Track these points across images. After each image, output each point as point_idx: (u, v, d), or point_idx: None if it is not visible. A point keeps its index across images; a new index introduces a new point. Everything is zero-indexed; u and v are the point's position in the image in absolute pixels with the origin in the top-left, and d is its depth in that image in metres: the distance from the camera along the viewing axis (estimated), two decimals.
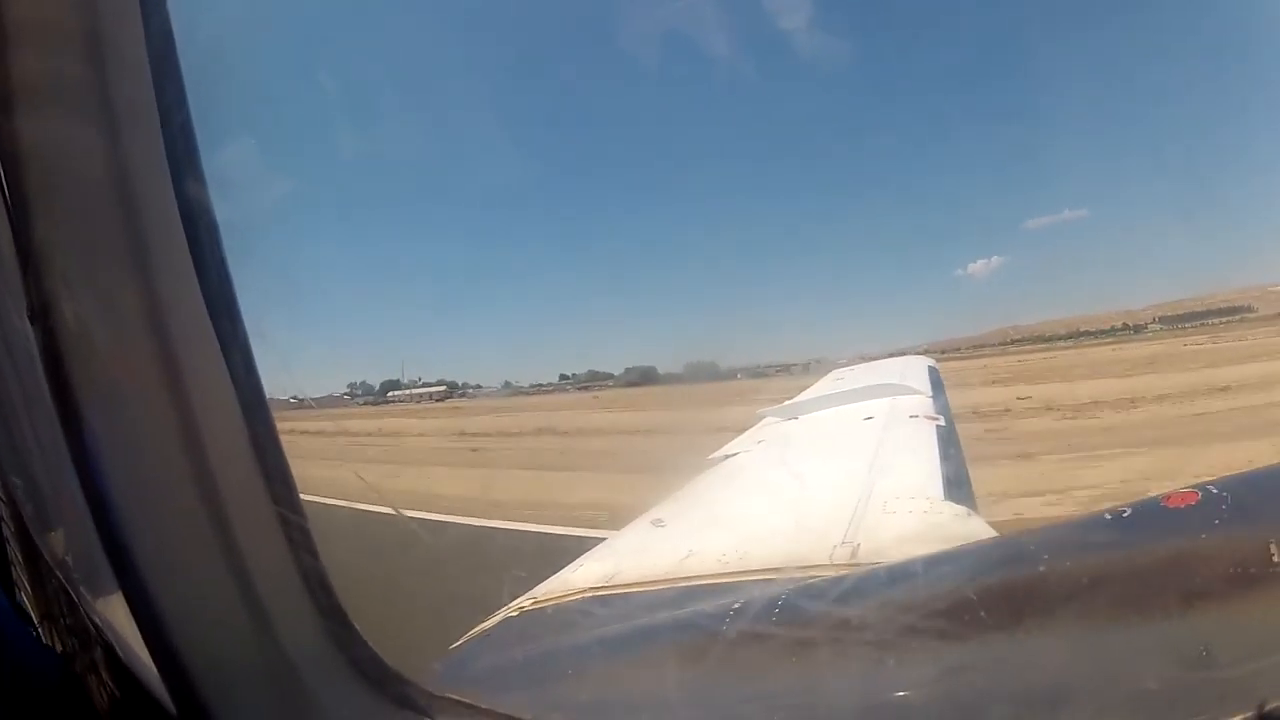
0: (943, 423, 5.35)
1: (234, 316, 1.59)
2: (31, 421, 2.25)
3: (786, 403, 7.45)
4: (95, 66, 1.40)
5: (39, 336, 1.43)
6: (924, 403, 6.13)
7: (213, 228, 1.55)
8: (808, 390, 8.39)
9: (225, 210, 1.58)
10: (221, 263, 1.58)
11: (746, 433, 6.21)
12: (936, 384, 7.23)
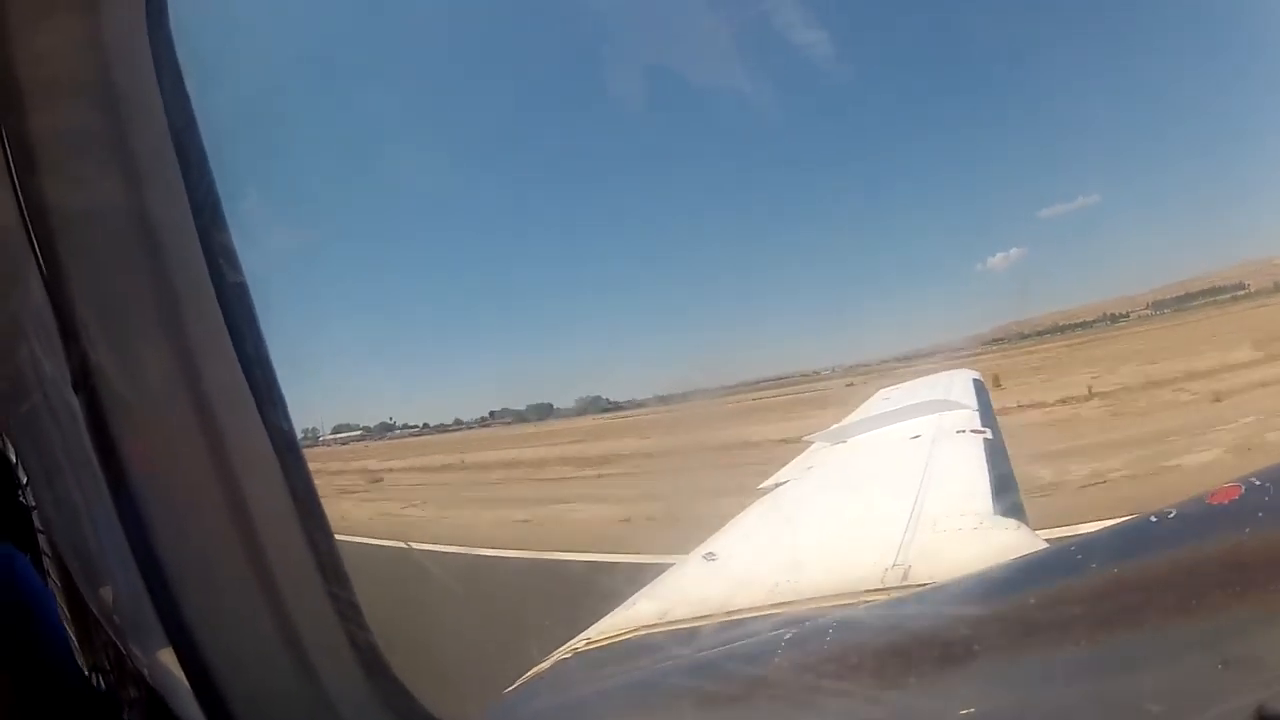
0: (990, 436, 5.30)
1: (267, 368, 1.62)
2: (79, 483, 2.31)
3: (833, 426, 7.42)
4: (115, 125, 1.44)
5: (83, 403, 1.47)
6: (970, 417, 6.08)
7: (241, 286, 1.59)
8: (854, 412, 8.35)
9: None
10: (254, 323, 1.61)
11: (794, 460, 6.18)
12: (982, 397, 7.17)
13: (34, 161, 1.42)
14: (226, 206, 1.62)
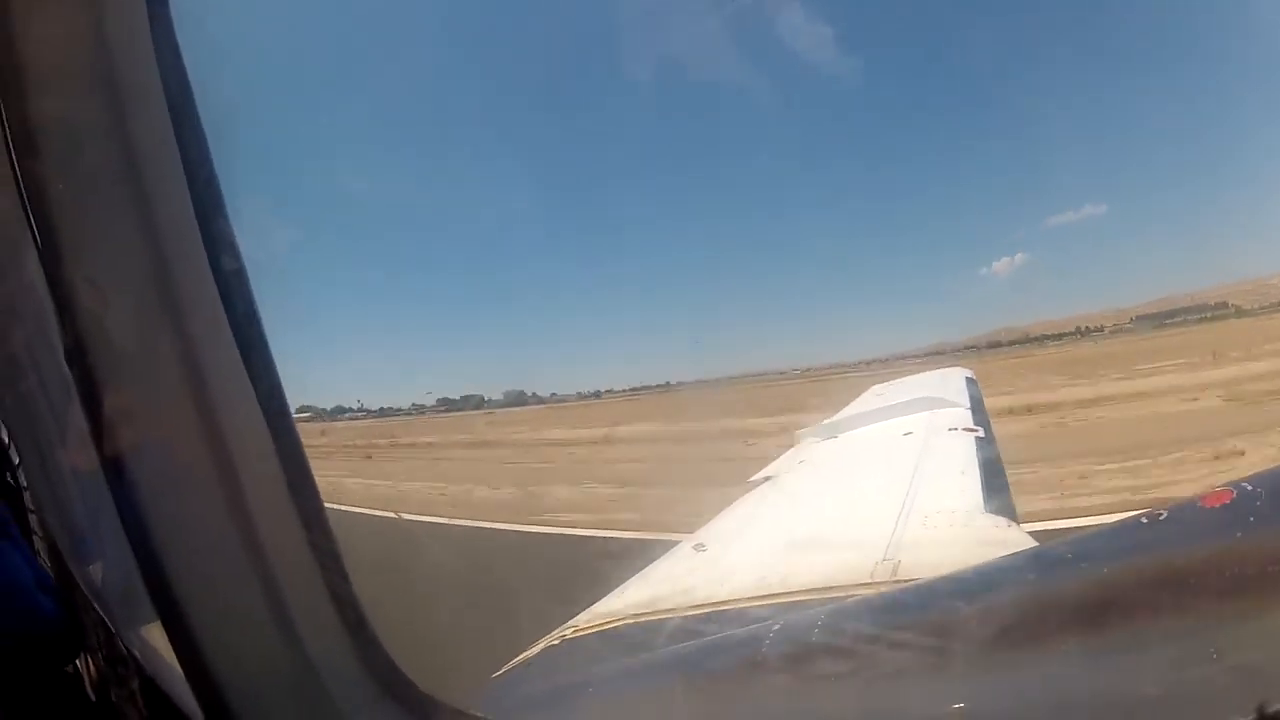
0: (982, 434, 5.31)
1: (262, 346, 1.61)
2: (72, 462, 2.30)
3: (825, 421, 7.42)
4: (115, 109, 1.43)
5: (76, 377, 1.46)
6: (963, 415, 6.08)
7: (238, 262, 1.58)
8: (846, 408, 8.35)
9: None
10: (249, 297, 1.60)
11: (786, 453, 6.19)
12: (975, 395, 7.17)
13: (33, 143, 1.41)
14: (223, 188, 1.60)
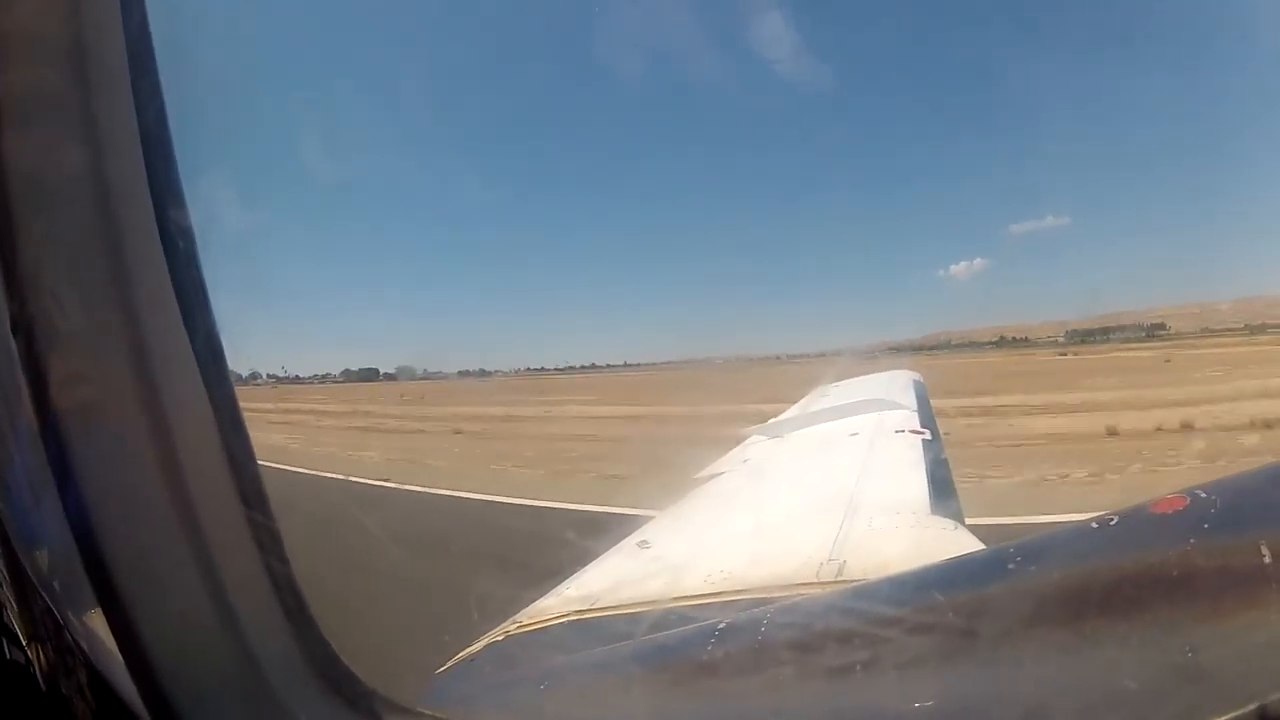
0: (929, 436, 5.34)
1: (209, 326, 1.57)
2: (16, 439, 2.23)
3: (771, 421, 7.44)
4: (77, 80, 1.40)
5: (20, 349, 1.42)
6: (909, 417, 6.13)
7: (189, 241, 1.54)
8: (792, 408, 8.38)
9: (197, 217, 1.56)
10: (197, 274, 1.56)
11: (732, 452, 6.19)
12: (922, 398, 7.23)
13: None
14: (182, 169, 1.56)
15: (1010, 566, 1.84)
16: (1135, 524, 1.82)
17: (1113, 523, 1.81)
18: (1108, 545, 1.79)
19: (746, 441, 6.55)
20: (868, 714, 1.67)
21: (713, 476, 5.29)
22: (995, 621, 1.69)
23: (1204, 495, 1.70)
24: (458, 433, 28.42)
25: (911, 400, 6.98)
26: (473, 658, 2.59)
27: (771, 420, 7.44)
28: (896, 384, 8.19)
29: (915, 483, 4.01)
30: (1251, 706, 1.20)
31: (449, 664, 2.58)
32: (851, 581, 2.62)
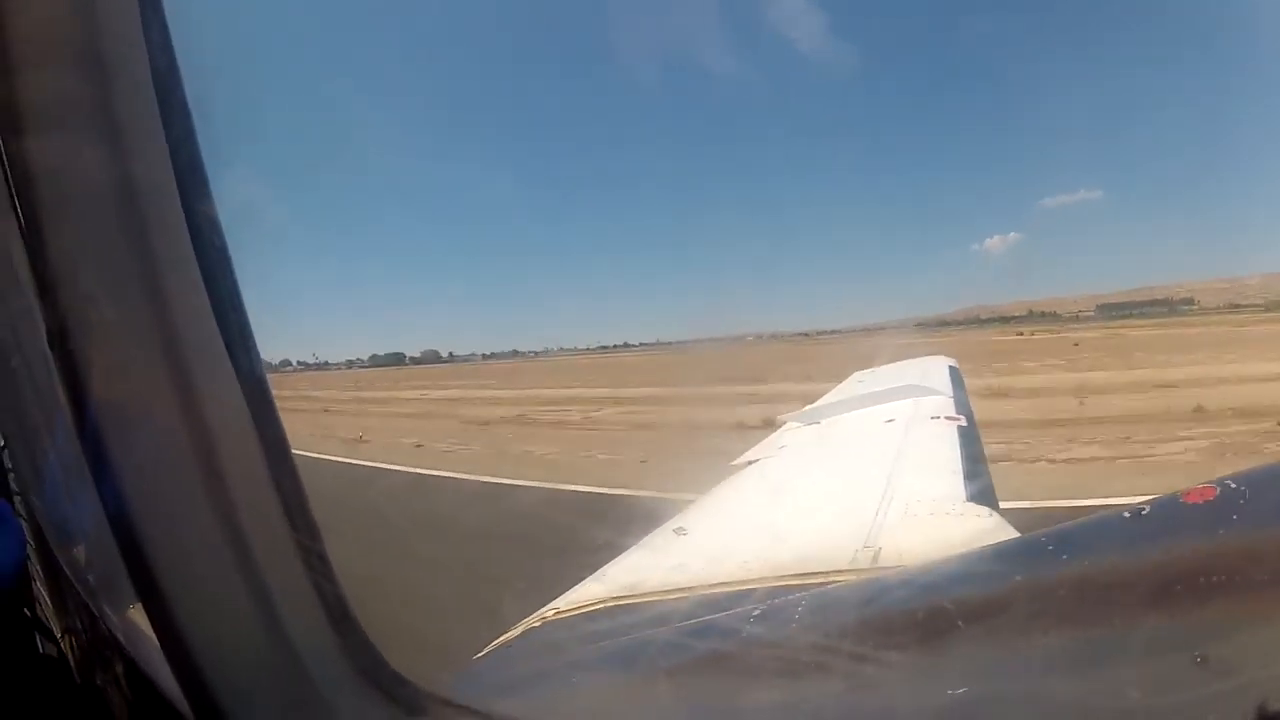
0: (964, 423, 5.32)
1: (244, 328, 1.59)
2: (53, 442, 2.28)
3: (807, 408, 7.43)
4: (100, 85, 1.41)
5: (58, 358, 1.45)
6: (945, 403, 6.10)
7: (221, 244, 1.56)
8: (828, 394, 8.36)
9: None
10: (230, 276, 1.58)
11: (768, 438, 6.19)
12: (958, 383, 7.19)
13: (16, 122, 1.39)
14: (210, 169, 1.58)
15: (1042, 556, 1.85)
16: (1167, 514, 1.83)
17: (1144, 512, 1.81)
18: (1140, 535, 1.79)
19: (783, 428, 6.56)
20: (900, 700, 1.69)
21: (750, 463, 5.30)
22: (1027, 610, 1.70)
23: (1234, 486, 1.70)
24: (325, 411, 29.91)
25: (947, 386, 6.95)
26: (509, 645, 2.62)
27: (808, 407, 7.43)
28: (932, 370, 8.15)
29: (950, 469, 4.00)
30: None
31: (485, 651, 2.61)
32: (886, 568, 2.63)
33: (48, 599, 3.05)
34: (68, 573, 2.64)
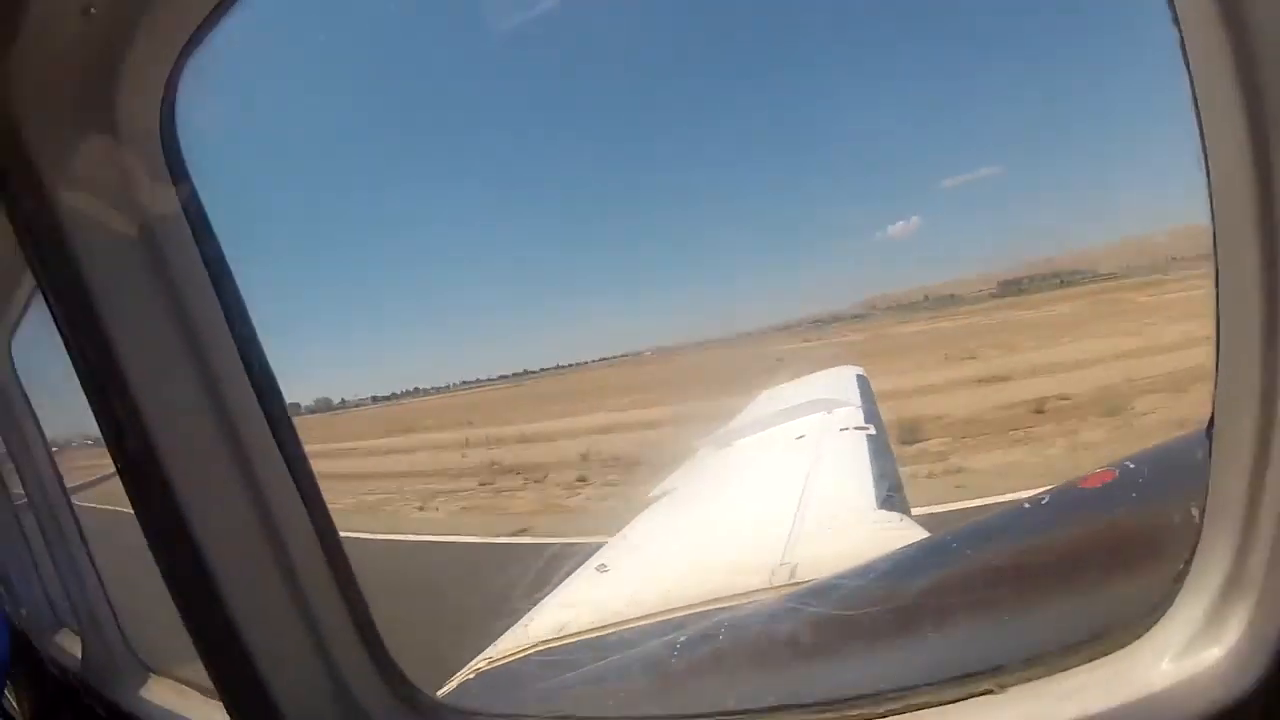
0: (873, 432, 5.41)
1: (277, 396, 1.71)
2: (44, 533, 2.30)
3: (719, 431, 7.49)
4: (134, 205, 1.47)
5: (118, 455, 1.48)
6: (854, 414, 6.20)
7: (247, 318, 1.64)
8: (739, 415, 8.43)
9: None
10: (261, 352, 1.68)
11: (681, 467, 6.23)
12: (866, 392, 7.31)
13: (48, 239, 1.43)
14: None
15: (950, 553, 1.91)
16: (1066, 499, 1.90)
17: (1044, 501, 1.88)
18: (1042, 523, 1.86)
19: (696, 454, 6.61)
20: (822, 699, 1.72)
21: (665, 493, 5.34)
22: (938, 603, 1.76)
23: (1132, 466, 1.78)
24: None
25: (856, 396, 7.05)
26: (444, 700, 2.60)
27: (720, 430, 7.49)
28: (840, 381, 8.26)
29: (861, 480, 4.08)
30: None
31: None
32: (802, 582, 2.67)
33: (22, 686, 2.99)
34: (46, 659, 2.64)
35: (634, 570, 3.55)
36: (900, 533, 3.04)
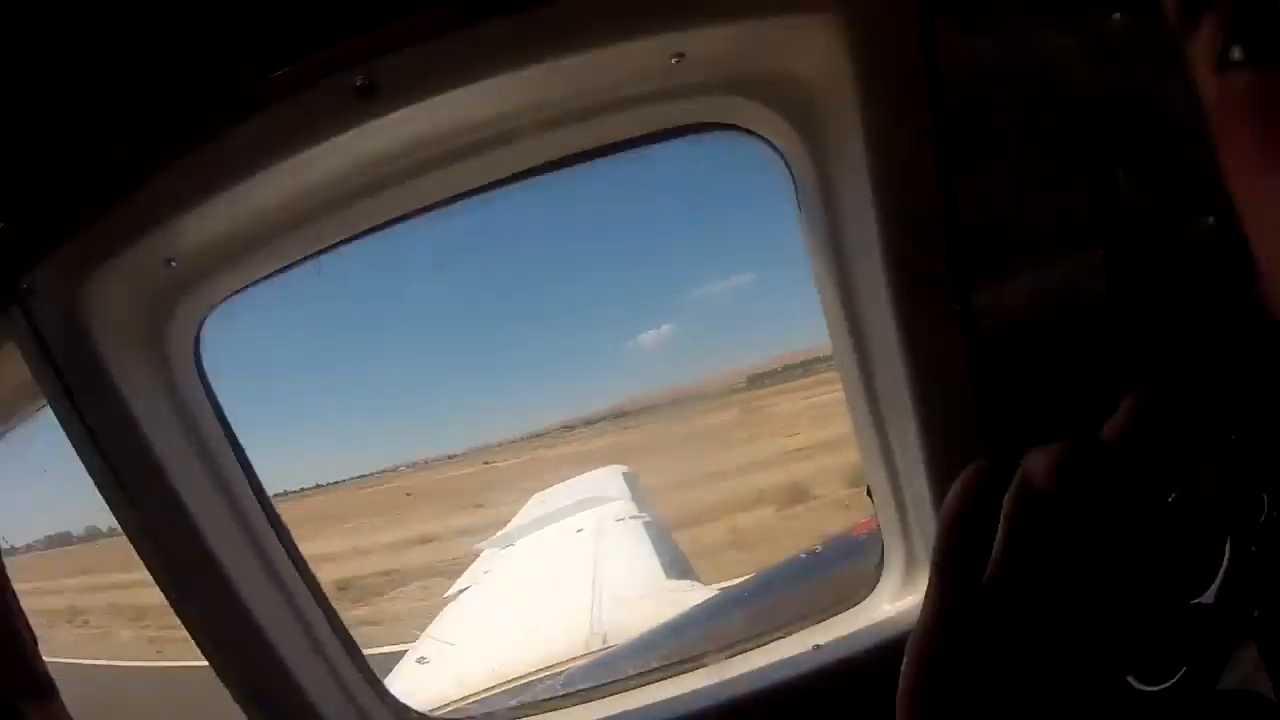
0: (649, 519, 5.77)
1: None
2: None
3: (498, 534, 7.65)
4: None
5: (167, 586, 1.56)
6: (627, 506, 6.53)
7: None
8: (514, 519, 8.57)
9: None
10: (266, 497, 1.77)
11: (470, 569, 6.39)
12: (635, 486, 7.69)
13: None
14: None
15: (739, 603, 2.21)
16: (840, 547, 2.21)
17: (818, 552, 2.19)
18: (819, 567, 2.16)
19: (481, 556, 6.78)
20: None
21: (460, 591, 5.51)
22: (729, 644, 2.05)
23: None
24: None
25: (625, 491, 7.38)
26: None
27: (499, 533, 7.66)
28: (608, 480, 8.53)
29: (648, 557, 4.43)
30: None
31: None
32: (616, 646, 2.96)
33: None
34: None
35: (453, 659, 3.72)
36: (690, 594, 3.36)
